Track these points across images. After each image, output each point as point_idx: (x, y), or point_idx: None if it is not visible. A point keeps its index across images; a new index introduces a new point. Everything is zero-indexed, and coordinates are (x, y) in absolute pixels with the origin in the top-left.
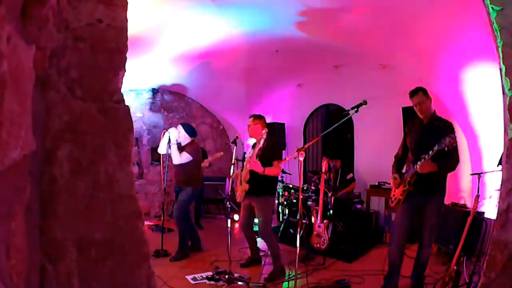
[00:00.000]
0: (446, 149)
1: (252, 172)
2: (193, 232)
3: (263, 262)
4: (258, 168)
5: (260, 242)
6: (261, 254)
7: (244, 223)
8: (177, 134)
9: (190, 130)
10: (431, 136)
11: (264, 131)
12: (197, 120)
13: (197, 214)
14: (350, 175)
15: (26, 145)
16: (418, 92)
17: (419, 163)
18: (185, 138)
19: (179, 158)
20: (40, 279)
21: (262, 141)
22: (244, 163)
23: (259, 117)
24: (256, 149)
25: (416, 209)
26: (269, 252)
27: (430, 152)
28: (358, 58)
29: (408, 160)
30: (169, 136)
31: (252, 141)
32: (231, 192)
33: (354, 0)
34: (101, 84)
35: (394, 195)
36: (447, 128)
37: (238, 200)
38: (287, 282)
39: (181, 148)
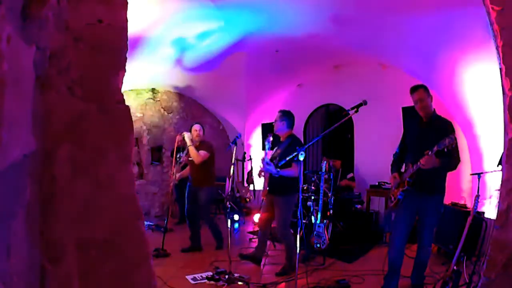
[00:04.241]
0: (445, 150)
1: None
2: (195, 232)
3: (262, 262)
4: (272, 170)
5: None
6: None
7: (265, 219)
8: (193, 134)
9: (203, 130)
10: (430, 136)
11: (289, 131)
12: (197, 120)
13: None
14: (351, 175)
15: (26, 145)
16: (419, 89)
17: (423, 157)
18: (198, 138)
19: (200, 157)
20: (40, 279)
21: (287, 142)
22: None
23: (287, 114)
24: (280, 150)
25: (416, 209)
26: (285, 249)
27: (434, 148)
28: (358, 58)
29: (407, 159)
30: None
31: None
32: (231, 192)
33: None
34: (101, 84)
35: (393, 195)
36: (447, 128)
37: (263, 195)
38: (287, 282)
39: (196, 148)
